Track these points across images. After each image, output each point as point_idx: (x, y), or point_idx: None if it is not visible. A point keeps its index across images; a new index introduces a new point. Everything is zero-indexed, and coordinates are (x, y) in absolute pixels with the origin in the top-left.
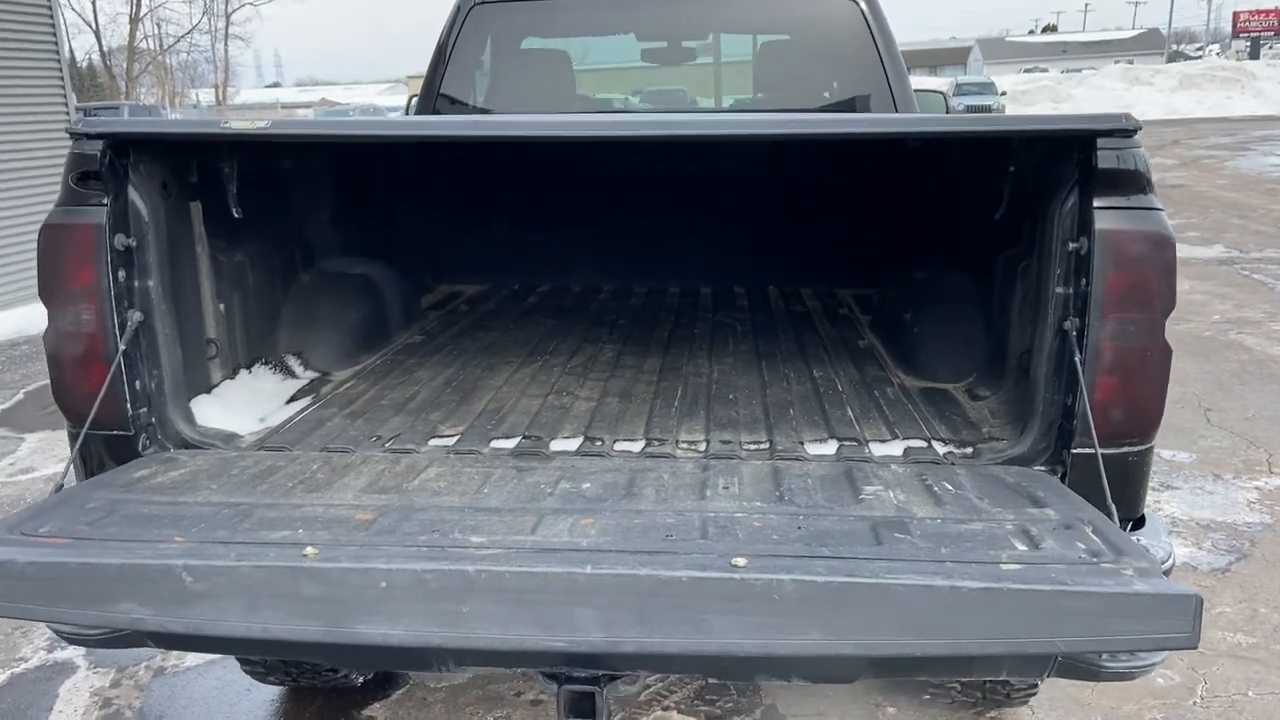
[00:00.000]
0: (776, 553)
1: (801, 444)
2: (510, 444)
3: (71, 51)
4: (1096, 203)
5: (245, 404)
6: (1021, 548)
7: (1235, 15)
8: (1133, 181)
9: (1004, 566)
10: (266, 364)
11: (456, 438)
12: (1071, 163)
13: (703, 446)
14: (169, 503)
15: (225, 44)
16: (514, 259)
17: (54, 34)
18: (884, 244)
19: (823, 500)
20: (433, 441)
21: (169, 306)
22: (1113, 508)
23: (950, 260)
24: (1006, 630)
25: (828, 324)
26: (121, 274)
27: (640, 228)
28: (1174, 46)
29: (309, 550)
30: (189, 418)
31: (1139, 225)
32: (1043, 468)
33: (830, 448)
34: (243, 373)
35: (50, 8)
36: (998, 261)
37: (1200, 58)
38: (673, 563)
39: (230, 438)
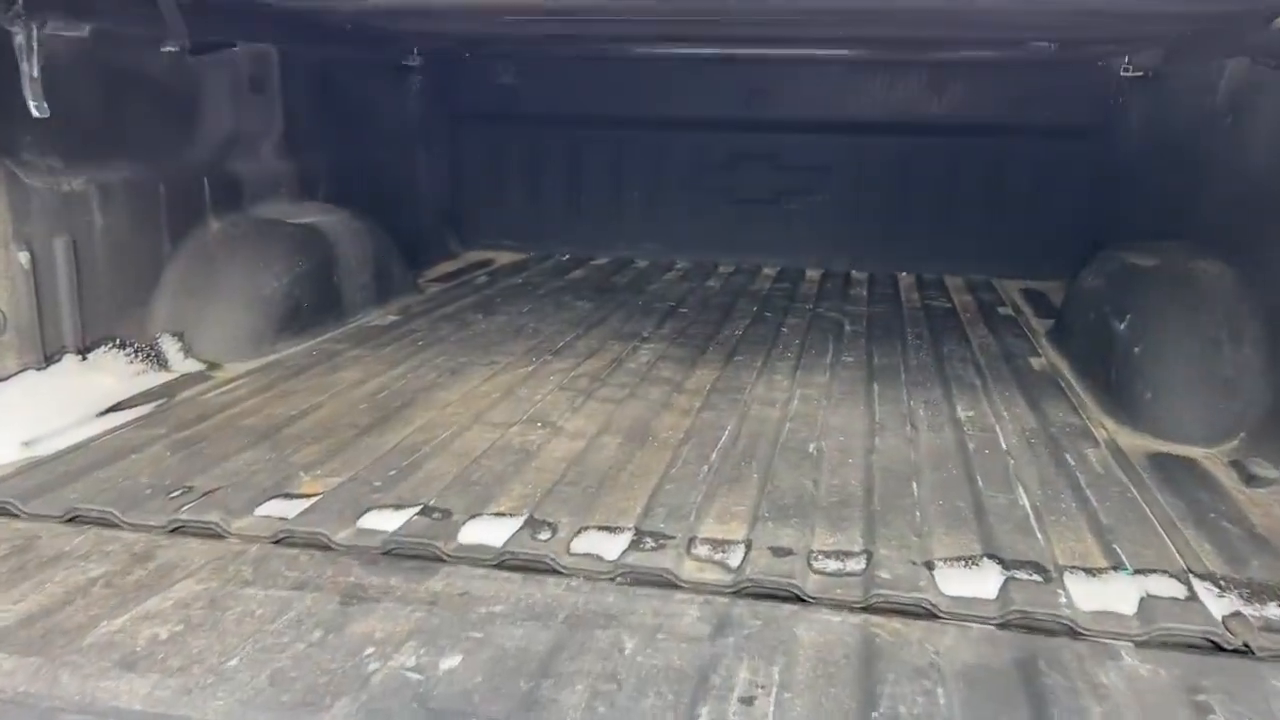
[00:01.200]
0: None
1: (929, 568)
2: (392, 523)
3: None
4: None
5: (27, 413)
6: None
7: None
8: None
9: None
10: (122, 347)
11: (309, 502)
12: None
13: (736, 558)
14: None
15: None
16: (569, 220)
17: None
18: (1074, 212)
19: None
20: (263, 508)
21: None
22: None
23: (1194, 236)
24: None
25: (983, 329)
26: None
27: (730, 187)
28: None
29: None
30: None
31: None
32: None
33: (987, 581)
34: (68, 359)
35: None
36: None
37: None
38: None
39: None
